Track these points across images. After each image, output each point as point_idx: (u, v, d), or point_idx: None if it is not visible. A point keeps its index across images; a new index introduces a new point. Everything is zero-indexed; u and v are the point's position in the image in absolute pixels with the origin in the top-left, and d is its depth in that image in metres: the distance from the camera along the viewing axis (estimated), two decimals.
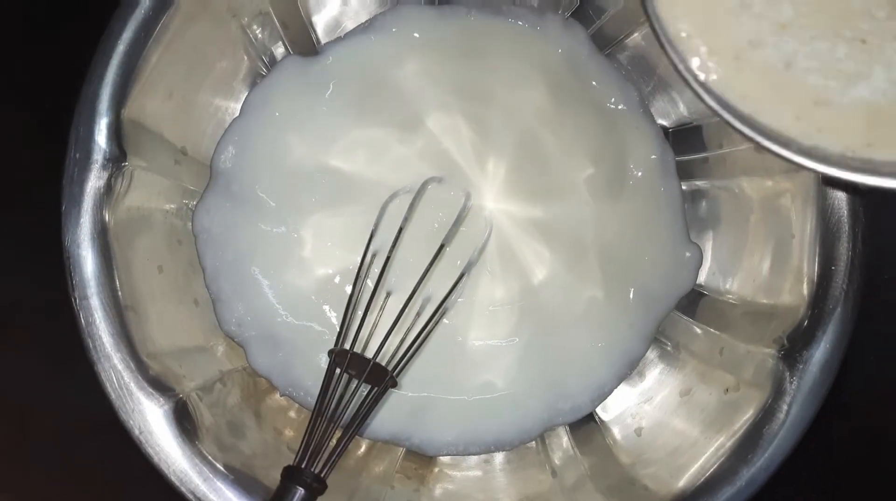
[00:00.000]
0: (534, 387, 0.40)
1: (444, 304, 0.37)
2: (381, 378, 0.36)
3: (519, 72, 0.41)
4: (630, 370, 0.41)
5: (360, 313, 0.38)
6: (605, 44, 0.42)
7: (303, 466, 0.32)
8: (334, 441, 0.34)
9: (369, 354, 0.36)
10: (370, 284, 0.39)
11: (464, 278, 0.38)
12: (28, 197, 0.44)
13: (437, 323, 0.37)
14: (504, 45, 0.40)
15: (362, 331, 0.37)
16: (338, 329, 0.38)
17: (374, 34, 0.40)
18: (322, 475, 0.33)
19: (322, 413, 0.34)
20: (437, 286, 0.39)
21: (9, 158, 0.45)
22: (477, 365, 0.41)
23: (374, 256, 0.39)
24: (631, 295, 0.40)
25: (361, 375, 0.36)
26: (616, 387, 0.41)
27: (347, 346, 0.36)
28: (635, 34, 0.42)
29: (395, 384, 0.36)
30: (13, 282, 0.45)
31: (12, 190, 0.45)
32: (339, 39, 0.40)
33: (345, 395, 0.35)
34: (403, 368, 0.36)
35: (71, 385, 0.42)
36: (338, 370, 0.36)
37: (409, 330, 0.37)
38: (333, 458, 0.33)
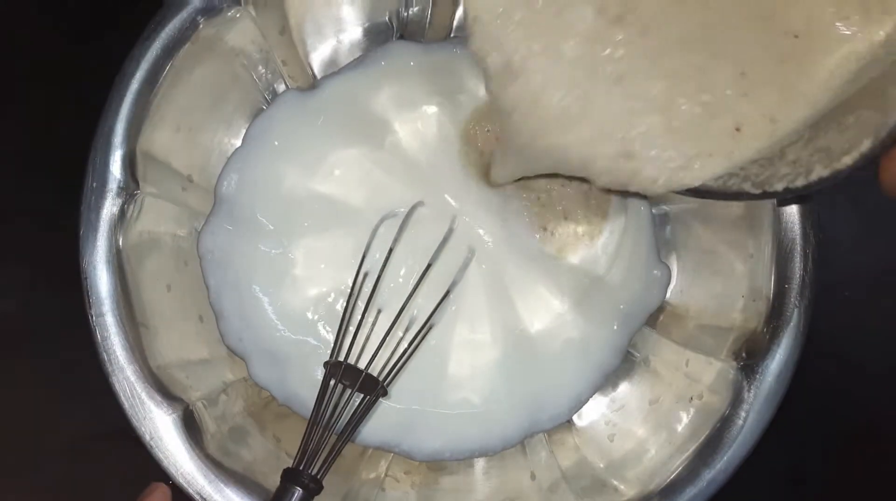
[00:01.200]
0: (515, 399, 0.43)
1: (430, 320, 0.40)
2: (373, 388, 0.38)
3: None
4: (604, 381, 0.43)
5: (352, 328, 0.40)
6: None
7: (300, 468, 0.35)
8: (330, 445, 0.37)
9: (362, 366, 0.39)
10: (361, 303, 0.41)
11: (449, 296, 0.41)
12: (43, 219, 0.47)
13: (423, 337, 0.40)
14: None
15: (355, 345, 0.39)
16: (332, 343, 0.41)
17: (366, 68, 0.43)
18: (318, 476, 0.35)
19: (318, 420, 0.37)
20: (424, 303, 0.41)
21: (28, 184, 0.47)
22: (461, 380, 0.43)
23: (365, 275, 0.41)
24: (606, 313, 0.43)
25: (354, 385, 0.38)
26: (591, 397, 0.44)
27: (342, 358, 0.39)
28: None
29: (385, 393, 0.39)
30: (29, 300, 0.47)
31: (29, 213, 0.47)
32: (334, 74, 0.43)
33: (339, 403, 0.38)
34: (393, 378, 0.39)
35: (82, 397, 0.44)
36: (332, 381, 0.38)
37: (398, 344, 0.40)
38: (329, 461, 0.36)
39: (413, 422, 0.42)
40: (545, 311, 0.43)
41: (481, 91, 0.43)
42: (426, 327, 0.40)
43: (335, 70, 0.44)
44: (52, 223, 0.44)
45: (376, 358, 0.39)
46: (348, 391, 0.38)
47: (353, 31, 0.45)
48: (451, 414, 0.43)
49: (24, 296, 0.47)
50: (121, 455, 0.43)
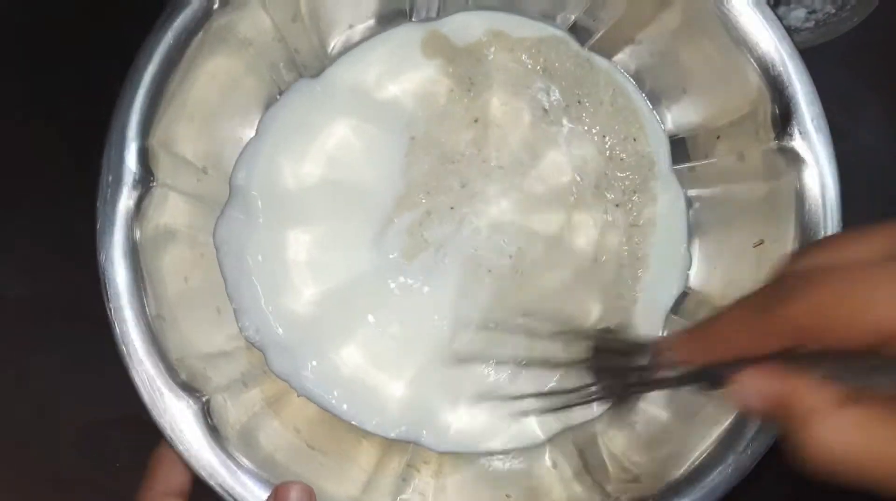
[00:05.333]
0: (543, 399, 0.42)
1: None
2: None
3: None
4: None
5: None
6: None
7: None
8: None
9: None
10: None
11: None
12: (57, 205, 0.47)
13: None
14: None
15: None
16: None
17: (374, 50, 0.43)
18: None
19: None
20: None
21: (43, 168, 0.47)
22: (487, 378, 0.42)
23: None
24: (635, 301, 0.43)
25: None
26: None
27: None
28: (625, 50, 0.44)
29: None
30: (43, 285, 0.47)
31: (43, 199, 0.47)
32: (344, 60, 0.43)
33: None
34: None
35: (95, 381, 0.44)
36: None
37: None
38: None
39: (435, 416, 0.42)
40: (577, 308, 0.43)
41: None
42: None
43: (347, 56, 0.43)
44: (63, 207, 0.44)
45: None
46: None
47: (367, 17, 0.44)
48: (476, 411, 0.42)
49: (36, 281, 0.47)
50: (133, 439, 0.43)
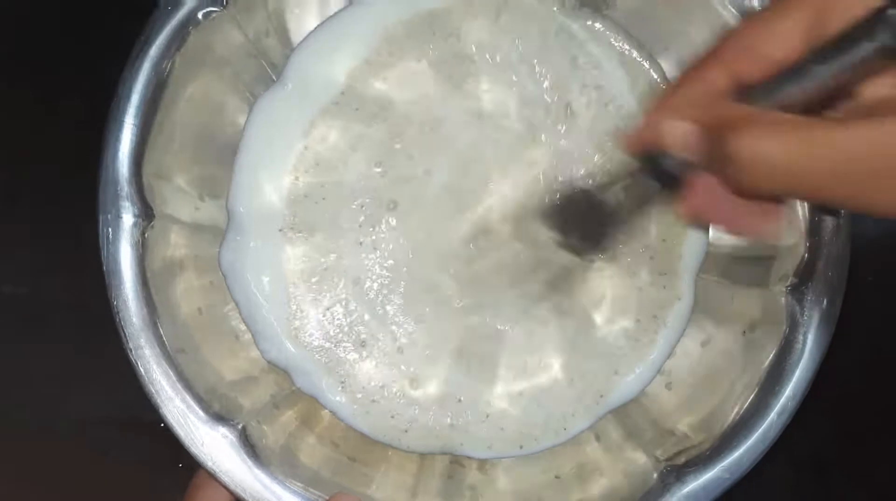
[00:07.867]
0: (584, 389, 0.41)
1: None
2: None
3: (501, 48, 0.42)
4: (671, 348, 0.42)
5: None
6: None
7: None
8: None
9: None
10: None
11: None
12: (57, 205, 0.46)
13: None
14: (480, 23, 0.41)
15: None
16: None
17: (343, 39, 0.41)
18: None
19: None
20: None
21: (43, 168, 0.47)
22: (517, 379, 0.41)
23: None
24: (680, 277, 0.41)
25: None
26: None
27: None
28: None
29: None
30: (44, 284, 0.47)
31: (43, 199, 0.47)
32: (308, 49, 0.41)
33: None
34: None
35: (96, 381, 0.45)
36: None
37: None
38: None
39: (469, 425, 0.41)
40: (609, 290, 0.42)
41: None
42: None
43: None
44: (63, 207, 0.44)
45: None
46: None
47: None
48: (510, 417, 0.41)
49: (36, 280, 0.47)
50: (133, 439, 0.44)
